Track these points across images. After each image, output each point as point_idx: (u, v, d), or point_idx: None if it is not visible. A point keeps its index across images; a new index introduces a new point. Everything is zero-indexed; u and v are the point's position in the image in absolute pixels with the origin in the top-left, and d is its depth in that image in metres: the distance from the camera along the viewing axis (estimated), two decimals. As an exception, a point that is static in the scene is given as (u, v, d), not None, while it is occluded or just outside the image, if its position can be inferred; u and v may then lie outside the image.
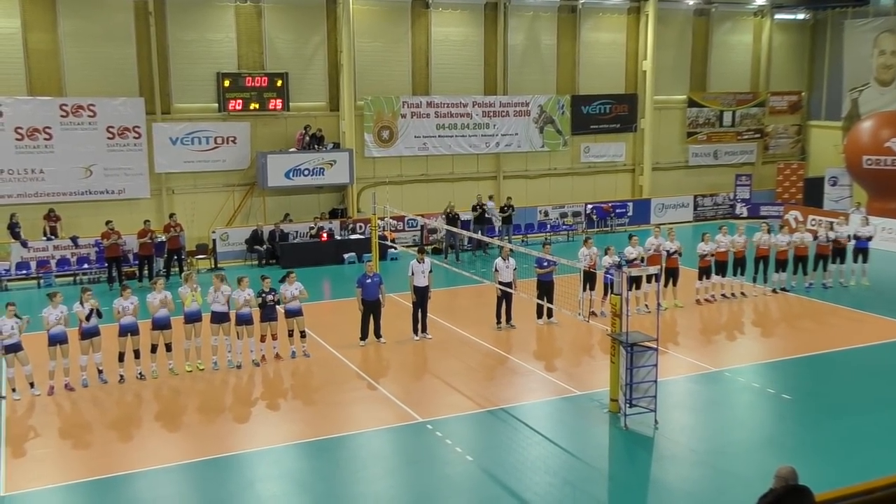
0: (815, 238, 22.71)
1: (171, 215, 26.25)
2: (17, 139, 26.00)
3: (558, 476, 11.26)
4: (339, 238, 28.70)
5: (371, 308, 17.34)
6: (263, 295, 16.24)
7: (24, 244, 25.76)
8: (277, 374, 15.92)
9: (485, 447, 12.32)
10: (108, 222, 25.17)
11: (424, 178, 32.13)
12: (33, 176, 26.36)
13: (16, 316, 14.88)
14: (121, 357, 15.52)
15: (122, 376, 15.45)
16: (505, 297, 18.51)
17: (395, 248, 27.50)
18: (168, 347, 15.90)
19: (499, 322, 18.65)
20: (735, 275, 21.59)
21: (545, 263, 18.35)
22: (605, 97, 34.35)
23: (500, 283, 18.26)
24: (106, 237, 24.81)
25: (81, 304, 15.24)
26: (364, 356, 16.80)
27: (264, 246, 27.94)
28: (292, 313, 16.68)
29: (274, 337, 16.57)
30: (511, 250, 18.39)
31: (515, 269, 18.53)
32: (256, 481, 11.24)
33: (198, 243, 27.97)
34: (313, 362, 16.55)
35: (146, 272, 25.38)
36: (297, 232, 28.85)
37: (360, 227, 29.17)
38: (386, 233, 27.40)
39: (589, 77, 34.10)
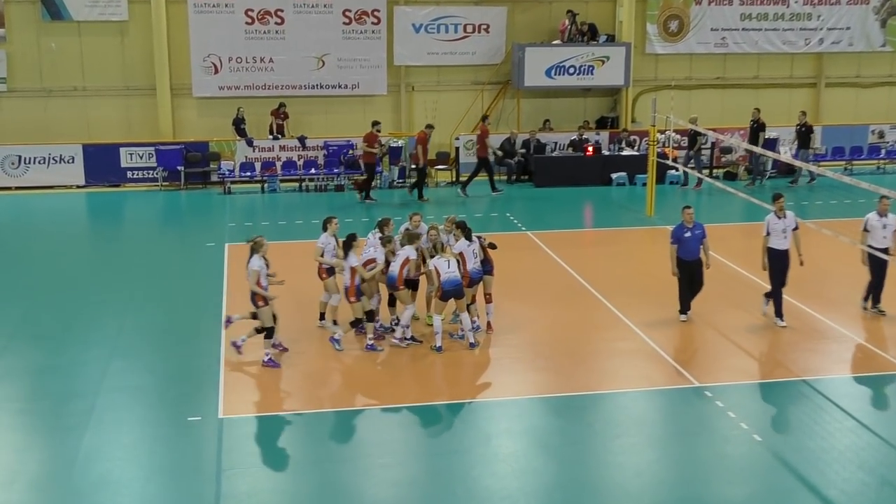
0: None
1: (429, 126, 26.43)
2: (248, 23, 28.01)
3: (875, 474, 10.65)
4: (606, 153, 28.46)
5: (690, 270, 15.50)
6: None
7: (250, 142, 27.91)
8: (522, 313, 16.21)
9: (777, 425, 11.93)
10: (375, 123, 25.99)
11: (720, 83, 30.99)
12: (262, 65, 28.34)
13: (334, 237, 15.16)
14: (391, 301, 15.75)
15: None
16: (878, 269, 15.76)
17: (677, 170, 26.79)
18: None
19: (876, 304, 16.11)
20: None
21: None
22: (979, -20, 31.05)
23: (872, 247, 15.65)
24: (370, 141, 25.52)
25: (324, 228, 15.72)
26: (635, 303, 16.67)
27: (516, 158, 28.31)
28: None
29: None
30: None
31: None
32: (494, 435, 11.61)
33: (438, 151, 28.86)
34: (567, 303, 16.67)
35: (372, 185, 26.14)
36: (556, 143, 28.95)
37: (635, 141, 28.70)
38: (666, 150, 26.79)
39: (959, -49, 30.94)
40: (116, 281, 18.33)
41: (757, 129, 27.50)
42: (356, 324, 14.52)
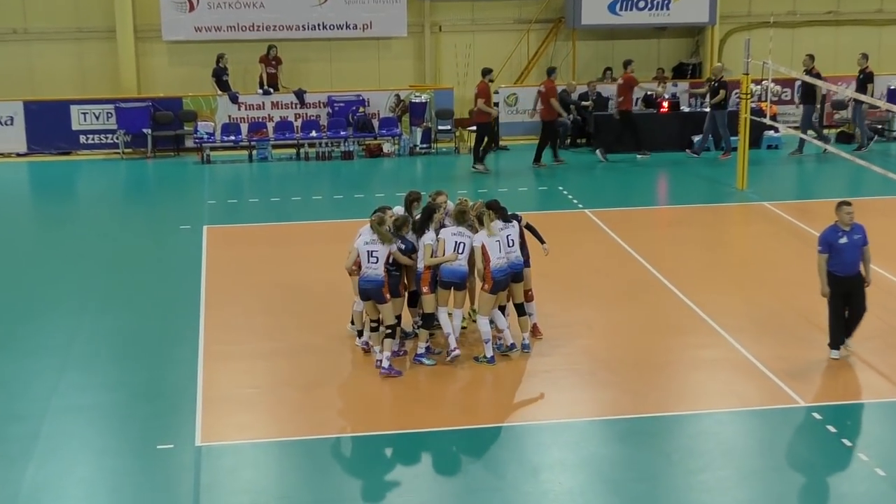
0: None
1: (553, 70, 26.50)
2: (230, -54, 28.08)
3: None
4: (686, 110, 28.30)
5: (845, 289, 14.05)
6: None
7: (234, 98, 28.00)
8: (578, 313, 16.17)
9: (907, 458, 11.86)
10: (486, 72, 25.88)
11: (832, 20, 30.97)
12: (249, 1, 28.32)
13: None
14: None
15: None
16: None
17: (777, 132, 26.60)
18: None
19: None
20: None
21: None
22: None
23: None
24: (486, 96, 25.50)
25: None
26: (724, 300, 16.62)
27: (570, 116, 28.19)
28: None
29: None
30: None
31: None
32: (543, 468, 11.57)
33: (471, 108, 28.76)
34: (636, 300, 16.63)
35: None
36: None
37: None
38: (762, 105, 26.63)
39: None
40: (68, 274, 18.44)
41: (864, 80, 27.12)
42: (431, 322, 14.15)
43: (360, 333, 14.68)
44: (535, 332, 14.99)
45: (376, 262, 13.60)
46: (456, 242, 13.96)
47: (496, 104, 28.39)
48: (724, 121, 26.52)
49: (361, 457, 11.98)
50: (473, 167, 25.72)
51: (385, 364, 13.75)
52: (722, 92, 26.44)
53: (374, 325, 13.97)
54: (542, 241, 15.07)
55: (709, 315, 15.89)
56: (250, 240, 20.14)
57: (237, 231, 21.00)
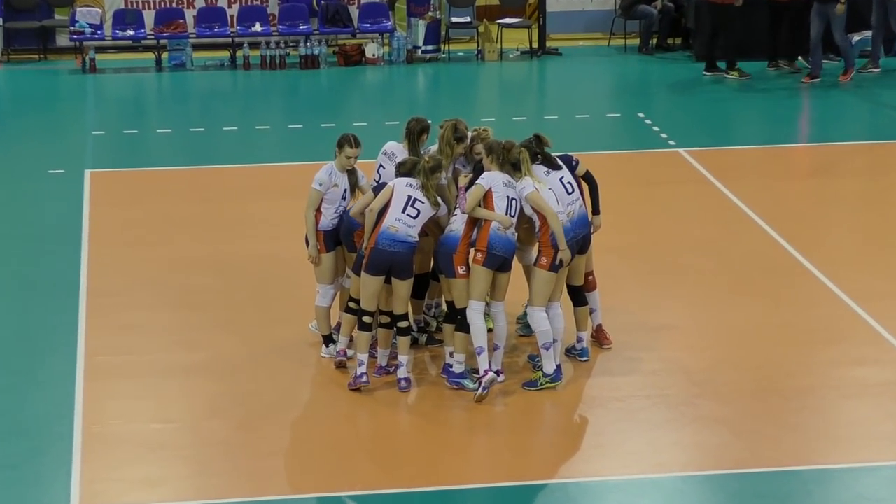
0: None
1: None
2: None
3: None
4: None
5: None
6: None
7: (133, -28, 28.07)
8: (667, 310, 16.15)
9: None
10: None
11: None
12: None
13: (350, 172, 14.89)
14: None
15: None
16: None
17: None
18: None
19: None
20: None
21: None
22: None
23: None
24: None
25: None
26: (891, 288, 16.60)
27: (657, 3, 28.16)
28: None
29: None
30: None
31: None
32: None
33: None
34: (758, 291, 16.61)
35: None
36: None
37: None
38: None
39: None
40: None
41: None
42: (459, 320, 13.94)
43: (328, 340, 14.69)
44: (599, 337, 14.96)
45: (415, 217, 13.49)
46: (508, 199, 13.71)
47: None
48: (841, 21, 26.50)
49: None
50: (714, 72, 26.68)
51: (403, 374, 13.77)
52: None
53: (369, 319, 13.83)
54: (595, 210, 14.85)
55: (873, 315, 15.87)
56: (157, 192, 20.11)
57: (137, 178, 21.08)
